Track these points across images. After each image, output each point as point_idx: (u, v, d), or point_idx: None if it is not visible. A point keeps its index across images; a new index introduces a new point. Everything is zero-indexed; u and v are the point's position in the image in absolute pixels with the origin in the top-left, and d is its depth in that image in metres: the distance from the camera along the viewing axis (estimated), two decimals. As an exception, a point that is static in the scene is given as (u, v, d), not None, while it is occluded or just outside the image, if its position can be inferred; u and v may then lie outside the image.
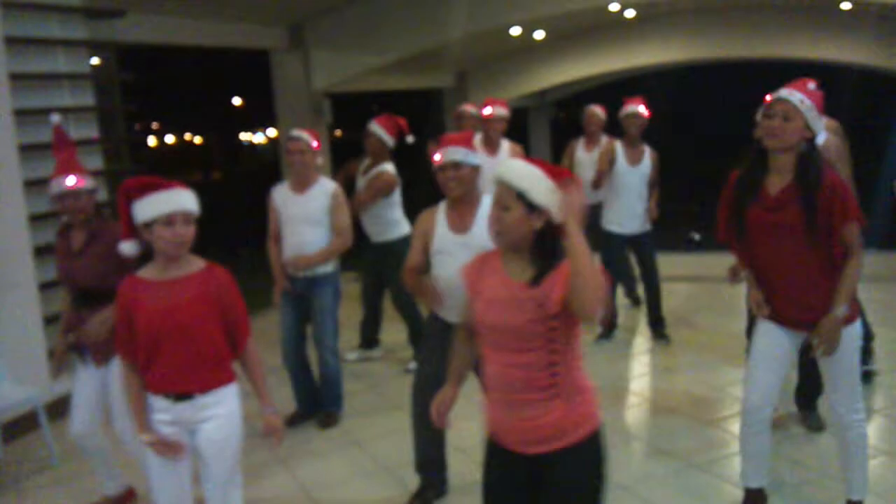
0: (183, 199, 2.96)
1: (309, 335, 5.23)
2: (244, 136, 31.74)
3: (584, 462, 2.62)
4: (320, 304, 5.05)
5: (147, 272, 3.04)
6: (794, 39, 10.04)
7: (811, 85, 3.56)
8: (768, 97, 4.25)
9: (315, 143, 4.96)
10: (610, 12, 8.89)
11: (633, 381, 5.96)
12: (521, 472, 2.66)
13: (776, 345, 3.55)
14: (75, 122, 5.80)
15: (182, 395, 3.03)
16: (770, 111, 3.37)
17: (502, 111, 6.47)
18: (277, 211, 5.05)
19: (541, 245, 2.55)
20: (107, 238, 3.73)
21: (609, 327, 6.65)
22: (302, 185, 4.97)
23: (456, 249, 3.62)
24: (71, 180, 3.78)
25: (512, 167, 2.59)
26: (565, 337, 2.54)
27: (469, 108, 6.80)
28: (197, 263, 3.05)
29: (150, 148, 28.50)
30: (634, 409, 5.39)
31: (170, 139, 31.03)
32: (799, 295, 3.39)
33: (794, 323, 3.47)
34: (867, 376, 5.38)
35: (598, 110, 7.18)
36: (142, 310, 2.96)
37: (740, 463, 3.77)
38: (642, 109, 6.31)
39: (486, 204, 3.66)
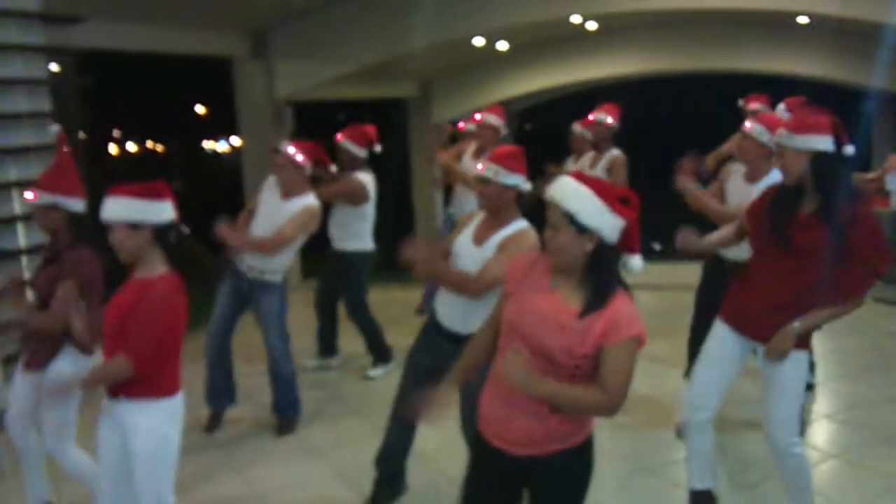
0: (107, 208, 2.97)
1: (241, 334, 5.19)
2: (207, 145, 31.43)
3: (572, 469, 2.64)
4: (265, 310, 5.02)
5: None
6: (751, 52, 10.22)
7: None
8: (747, 125, 4.35)
9: (300, 157, 4.93)
10: (572, 24, 8.98)
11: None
12: (507, 473, 2.64)
13: (726, 348, 3.59)
14: (31, 127, 5.73)
15: (111, 394, 3.05)
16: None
17: (493, 120, 6.41)
18: (260, 199, 5.08)
19: (593, 269, 2.47)
20: (60, 266, 3.56)
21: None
22: (286, 194, 4.97)
23: (466, 257, 3.62)
24: (28, 195, 3.72)
25: (562, 187, 2.50)
26: (587, 375, 2.50)
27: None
28: (155, 270, 3.02)
29: (110, 155, 28.10)
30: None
31: (132, 147, 30.64)
32: (773, 308, 3.37)
33: (753, 331, 3.48)
34: (807, 387, 5.48)
35: (578, 128, 7.22)
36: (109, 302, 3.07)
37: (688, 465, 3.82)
38: (604, 118, 6.36)
39: (512, 227, 3.58)
